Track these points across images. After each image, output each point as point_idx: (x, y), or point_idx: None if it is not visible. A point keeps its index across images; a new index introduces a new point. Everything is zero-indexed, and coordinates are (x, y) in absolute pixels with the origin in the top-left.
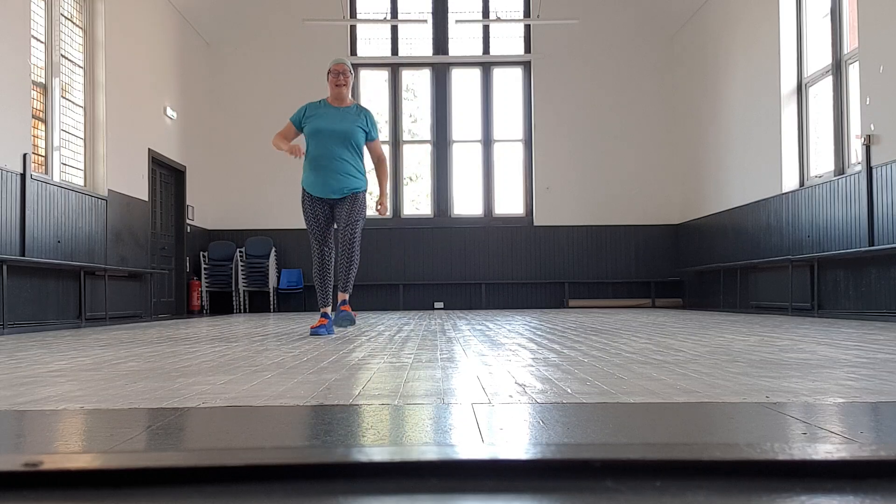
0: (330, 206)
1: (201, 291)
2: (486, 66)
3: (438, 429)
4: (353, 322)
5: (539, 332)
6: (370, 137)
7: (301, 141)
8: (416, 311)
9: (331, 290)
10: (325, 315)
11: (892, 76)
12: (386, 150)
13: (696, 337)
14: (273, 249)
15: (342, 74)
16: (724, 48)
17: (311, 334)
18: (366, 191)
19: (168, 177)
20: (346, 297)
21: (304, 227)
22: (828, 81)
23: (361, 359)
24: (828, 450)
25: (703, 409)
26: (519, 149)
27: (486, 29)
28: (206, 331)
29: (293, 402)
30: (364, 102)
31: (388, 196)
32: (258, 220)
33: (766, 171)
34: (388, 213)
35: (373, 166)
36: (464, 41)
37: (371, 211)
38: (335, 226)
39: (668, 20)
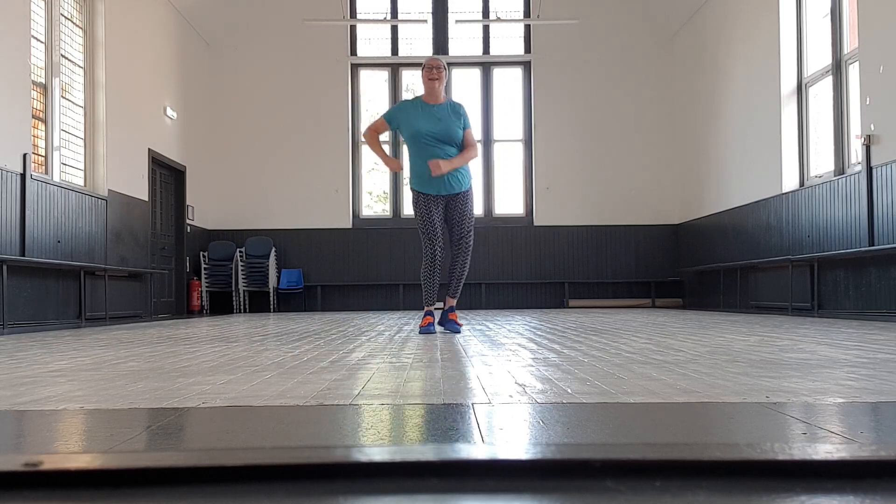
0: (444, 203)
1: (201, 291)
2: (486, 66)
3: (438, 429)
4: (459, 332)
5: (539, 332)
6: (463, 127)
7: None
8: (416, 311)
9: (437, 288)
10: (429, 313)
11: (892, 76)
12: (386, 150)
13: (696, 337)
14: (273, 249)
15: (435, 69)
16: (724, 48)
17: (420, 332)
18: (471, 186)
19: (168, 177)
20: (454, 302)
21: (303, 227)
22: (828, 81)
23: (361, 359)
24: (828, 450)
25: (703, 409)
26: (519, 149)
27: (486, 29)
28: (206, 331)
29: (293, 402)
30: (364, 102)
31: (450, 166)
32: (258, 220)
33: (766, 171)
34: (443, 170)
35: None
36: (464, 41)
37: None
38: (446, 225)
39: (668, 20)
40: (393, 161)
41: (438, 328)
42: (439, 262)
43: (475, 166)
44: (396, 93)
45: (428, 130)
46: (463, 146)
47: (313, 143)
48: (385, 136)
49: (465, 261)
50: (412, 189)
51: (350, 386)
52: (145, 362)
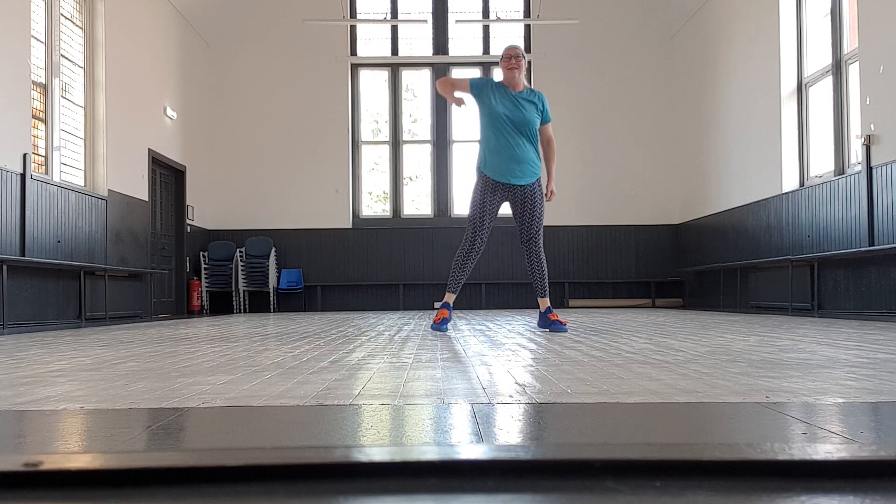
0: (505, 195)
1: (201, 291)
2: (487, 66)
3: (438, 429)
4: (566, 330)
5: (539, 332)
6: (544, 121)
7: (467, 99)
8: (416, 311)
9: (464, 280)
10: (446, 305)
11: (892, 76)
12: (386, 150)
13: (696, 337)
14: (273, 249)
15: (514, 58)
16: (724, 48)
17: (433, 329)
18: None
19: (168, 177)
20: (549, 302)
21: (303, 227)
22: (828, 81)
23: (361, 359)
24: (828, 450)
25: (703, 409)
26: None
27: (486, 29)
28: (206, 331)
29: (293, 402)
30: (364, 102)
31: (555, 180)
32: (258, 220)
33: (766, 171)
34: (552, 199)
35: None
36: (464, 41)
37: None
38: (515, 223)
39: (668, 20)
40: (458, 97)
41: (543, 331)
42: (475, 255)
43: None
44: (396, 93)
45: (507, 115)
46: (544, 141)
47: (313, 143)
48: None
49: (541, 260)
50: (479, 171)
51: (350, 386)
52: (145, 362)
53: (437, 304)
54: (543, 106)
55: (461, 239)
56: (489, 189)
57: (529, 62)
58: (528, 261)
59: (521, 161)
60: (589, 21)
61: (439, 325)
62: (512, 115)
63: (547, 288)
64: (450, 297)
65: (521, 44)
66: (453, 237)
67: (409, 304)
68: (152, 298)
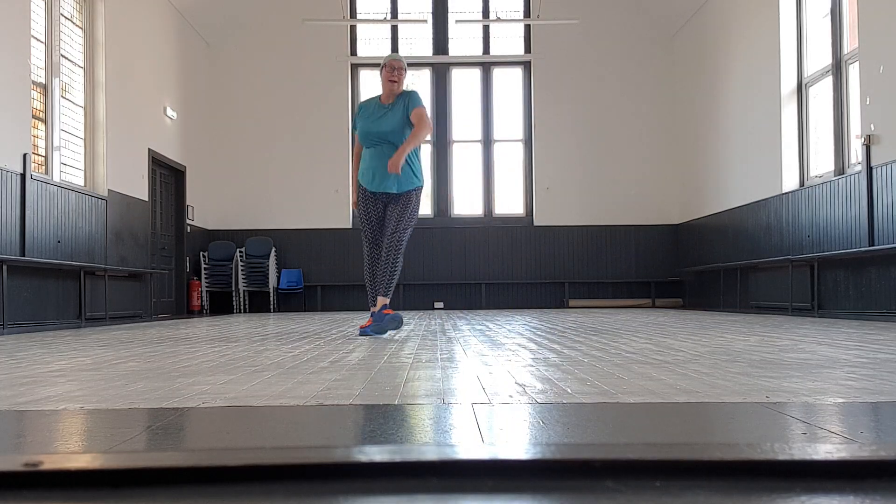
0: (384, 204)
1: (201, 291)
2: (486, 66)
3: (438, 429)
4: (400, 323)
5: (539, 332)
6: (408, 111)
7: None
8: (416, 311)
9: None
10: (373, 315)
11: (892, 76)
12: None
13: (696, 337)
14: (273, 249)
15: (396, 70)
16: (724, 48)
17: (359, 334)
18: (420, 188)
19: (168, 177)
20: (387, 300)
21: (303, 227)
22: (828, 81)
23: (361, 359)
24: (828, 450)
25: (703, 409)
26: (519, 149)
27: (486, 29)
28: (206, 331)
29: (293, 402)
30: None
31: (404, 155)
32: (258, 220)
33: (766, 171)
34: (398, 166)
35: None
36: (464, 41)
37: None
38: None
39: (668, 20)
40: (354, 202)
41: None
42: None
43: (476, 164)
44: None
45: (374, 130)
46: (413, 122)
47: (313, 143)
48: None
49: (395, 264)
50: (359, 182)
51: (350, 386)
52: (145, 362)
53: (436, 304)
54: (409, 102)
55: (455, 239)
56: (369, 199)
57: (529, 62)
58: (385, 256)
59: (393, 174)
60: (589, 21)
61: (365, 330)
62: (378, 128)
63: (390, 289)
64: (373, 309)
65: (522, 44)
66: (453, 237)
67: (409, 303)
68: (152, 298)
